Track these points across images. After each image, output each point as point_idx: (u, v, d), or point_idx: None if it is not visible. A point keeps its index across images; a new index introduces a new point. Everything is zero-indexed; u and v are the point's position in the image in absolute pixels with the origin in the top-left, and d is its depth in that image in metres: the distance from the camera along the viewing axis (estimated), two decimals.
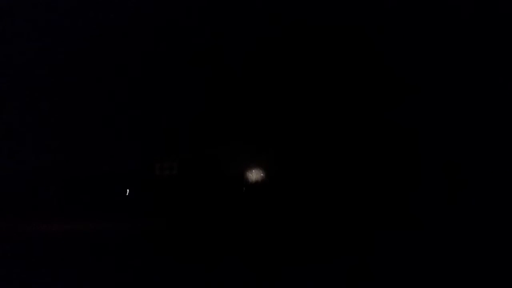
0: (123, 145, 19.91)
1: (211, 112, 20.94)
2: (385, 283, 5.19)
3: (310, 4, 20.09)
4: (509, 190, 13.69)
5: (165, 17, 20.82)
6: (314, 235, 11.09)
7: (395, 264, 6.53)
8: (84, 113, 20.44)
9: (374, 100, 20.36)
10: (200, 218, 16.98)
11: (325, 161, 20.81)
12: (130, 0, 20.37)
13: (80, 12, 20.36)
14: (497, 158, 17.27)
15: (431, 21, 19.32)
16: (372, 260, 6.39)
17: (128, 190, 18.88)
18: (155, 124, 20.37)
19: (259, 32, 20.62)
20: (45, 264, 7.93)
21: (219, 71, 21.07)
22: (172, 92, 20.98)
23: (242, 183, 22.29)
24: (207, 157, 20.77)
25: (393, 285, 4.68)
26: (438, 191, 15.57)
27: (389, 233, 8.91)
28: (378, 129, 20.13)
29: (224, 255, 8.36)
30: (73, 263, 7.86)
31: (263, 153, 21.58)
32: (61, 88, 20.53)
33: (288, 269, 6.52)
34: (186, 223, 15.60)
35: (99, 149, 20.06)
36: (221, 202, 19.34)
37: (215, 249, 9.15)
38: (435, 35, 19.24)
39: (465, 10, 18.73)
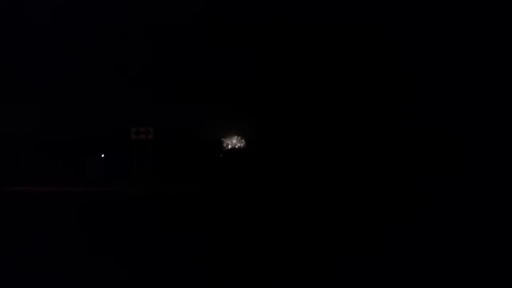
0: (103, 112, 20.53)
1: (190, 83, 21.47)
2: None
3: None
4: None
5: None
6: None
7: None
8: (67, 84, 20.97)
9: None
10: (183, 181, 17.53)
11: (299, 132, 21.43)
12: None
13: None
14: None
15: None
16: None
17: (103, 154, 19.57)
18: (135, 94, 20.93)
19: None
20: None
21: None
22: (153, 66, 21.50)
23: (219, 149, 22.97)
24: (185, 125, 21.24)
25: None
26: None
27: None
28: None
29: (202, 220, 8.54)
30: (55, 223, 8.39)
31: (240, 120, 22.15)
32: (47, 60, 20.97)
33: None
34: (168, 188, 16.17)
35: (79, 116, 20.67)
36: (200, 166, 19.90)
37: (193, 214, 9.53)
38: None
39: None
